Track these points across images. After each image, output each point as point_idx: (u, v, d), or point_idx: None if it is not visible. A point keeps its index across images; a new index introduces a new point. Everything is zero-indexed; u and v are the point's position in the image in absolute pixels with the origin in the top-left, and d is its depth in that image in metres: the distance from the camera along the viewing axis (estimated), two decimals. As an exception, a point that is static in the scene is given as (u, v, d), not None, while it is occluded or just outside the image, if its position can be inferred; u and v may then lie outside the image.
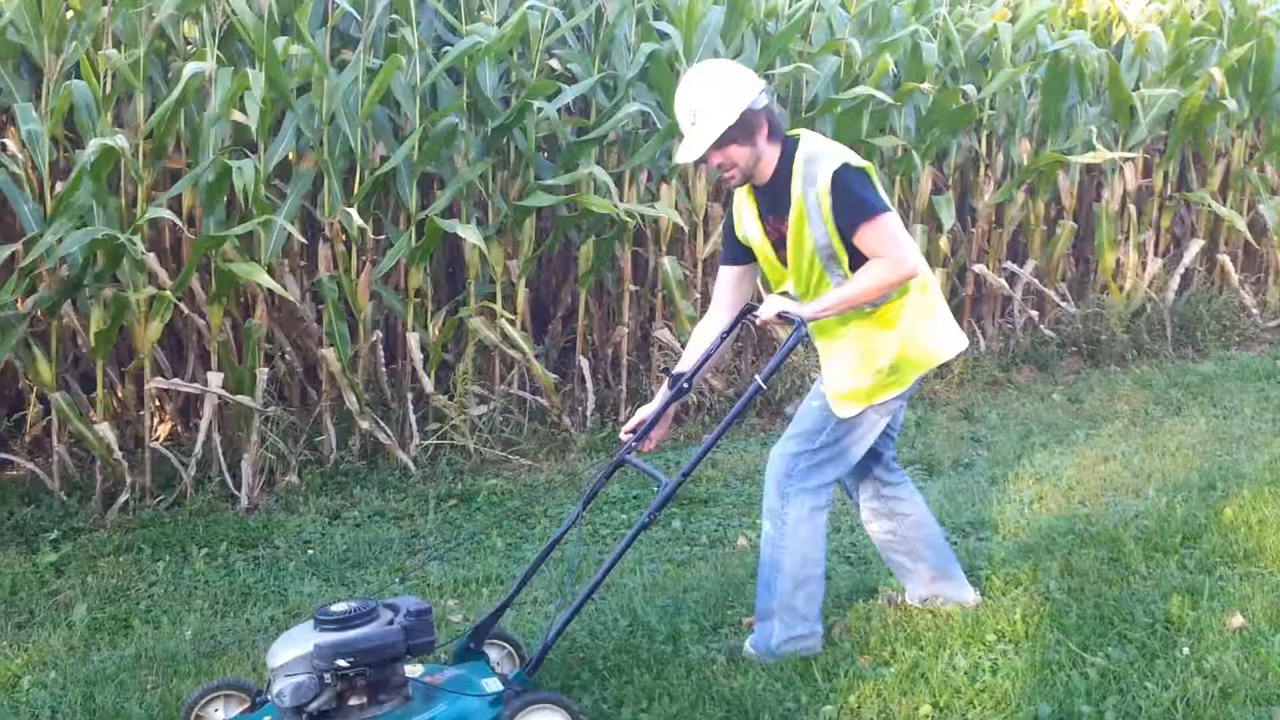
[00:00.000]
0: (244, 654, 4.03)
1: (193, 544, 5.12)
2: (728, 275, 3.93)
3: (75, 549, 5.05)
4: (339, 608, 3.14)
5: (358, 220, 5.77)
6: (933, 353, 3.80)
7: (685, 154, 3.64)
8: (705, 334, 3.85)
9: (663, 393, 3.83)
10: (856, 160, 3.63)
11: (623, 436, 3.82)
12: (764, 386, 3.62)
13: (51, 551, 4.99)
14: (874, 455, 3.95)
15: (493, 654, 3.57)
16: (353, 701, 3.08)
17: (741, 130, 3.57)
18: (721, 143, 3.58)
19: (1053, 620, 3.95)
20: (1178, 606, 3.98)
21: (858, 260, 3.61)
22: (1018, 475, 5.81)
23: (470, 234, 5.93)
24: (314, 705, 3.01)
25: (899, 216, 3.65)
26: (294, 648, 3.07)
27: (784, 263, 3.75)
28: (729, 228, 3.91)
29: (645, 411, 3.84)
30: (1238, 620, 3.90)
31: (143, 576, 4.85)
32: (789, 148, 3.66)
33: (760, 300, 3.76)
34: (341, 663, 3.01)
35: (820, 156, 3.60)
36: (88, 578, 4.78)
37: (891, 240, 3.55)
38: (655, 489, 5.68)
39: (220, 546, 5.12)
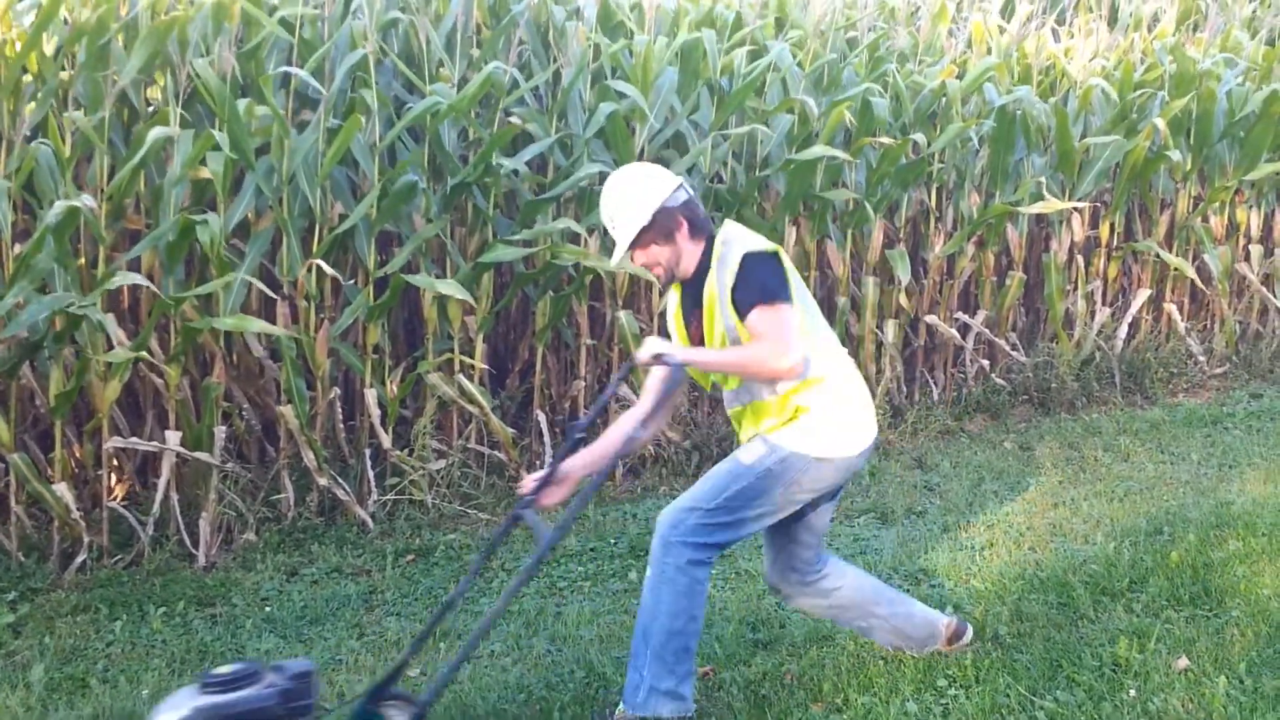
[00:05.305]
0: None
1: (150, 603, 5.11)
2: None
3: (33, 609, 5.03)
4: (222, 670, 3.11)
5: (330, 271, 5.83)
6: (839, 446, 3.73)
7: (612, 258, 3.82)
8: (627, 421, 3.87)
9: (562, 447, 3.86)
10: (769, 246, 3.69)
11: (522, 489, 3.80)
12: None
13: (9, 612, 4.97)
14: (795, 551, 3.91)
15: (394, 715, 3.50)
16: None
17: (658, 230, 3.68)
18: (641, 243, 3.70)
19: (1003, 665, 4.03)
20: (1125, 649, 4.08)
21: None
22: (969, 522, 5.90)
23: (452, 289, 6.01)
24: None
25: (799, 313, 3.62)
26: (175, 711, 3.04)
27: None
28: (665, 315, 3.99)
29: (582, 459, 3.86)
30: (1183, 662, 4.00)
31: (100, 636, 4.83)
32: (711, 241, 3.75)
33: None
34: None
35: (734, 241, 3.69)
36: (45, 638, 4.77)
37: (783, 327, 3.55)
38: (611, 543, 5.78)
39: (178, 605, 5.11)
